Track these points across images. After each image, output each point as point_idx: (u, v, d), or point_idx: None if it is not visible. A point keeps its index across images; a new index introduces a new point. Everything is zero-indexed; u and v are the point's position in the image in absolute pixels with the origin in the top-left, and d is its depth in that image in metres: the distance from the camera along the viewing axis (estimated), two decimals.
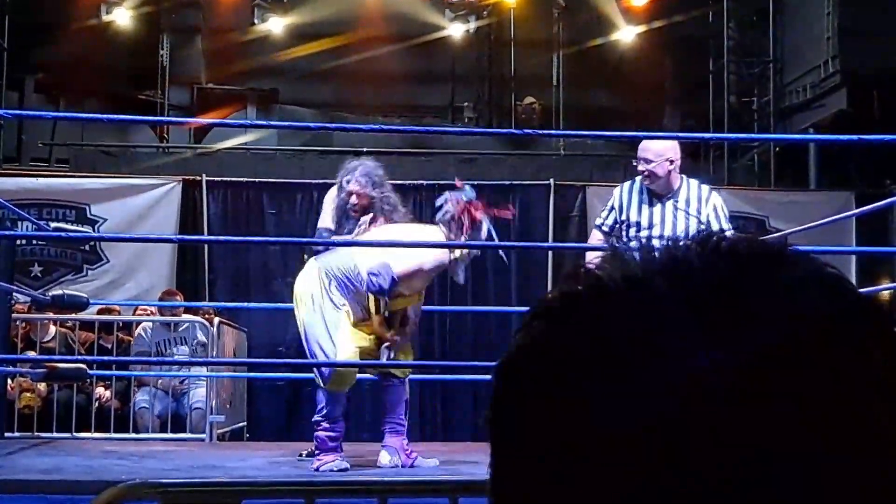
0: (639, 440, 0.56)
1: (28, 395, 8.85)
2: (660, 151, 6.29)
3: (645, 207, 6.37)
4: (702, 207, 6.31)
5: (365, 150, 13.04)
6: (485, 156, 13.22)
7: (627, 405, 0.56)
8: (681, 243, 0.62)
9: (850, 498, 0.56)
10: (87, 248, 11.46)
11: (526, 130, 6.66)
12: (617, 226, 6.44)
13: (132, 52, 14.43)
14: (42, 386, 8.71)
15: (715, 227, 6.14)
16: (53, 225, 10.70)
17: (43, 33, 13.75)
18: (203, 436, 8.68)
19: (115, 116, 8.58)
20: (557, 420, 0.58)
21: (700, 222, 6.24)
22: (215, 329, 9.06)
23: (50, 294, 6.92)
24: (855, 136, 5.83)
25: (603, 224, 6.54)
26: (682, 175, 6.42)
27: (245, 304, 10.83)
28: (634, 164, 6.48)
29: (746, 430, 0.55)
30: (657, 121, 14.28)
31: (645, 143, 6.47)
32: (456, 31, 14.63)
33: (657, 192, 6.34)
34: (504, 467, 0.62)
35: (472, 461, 5.78)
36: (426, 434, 10.72)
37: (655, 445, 0.55)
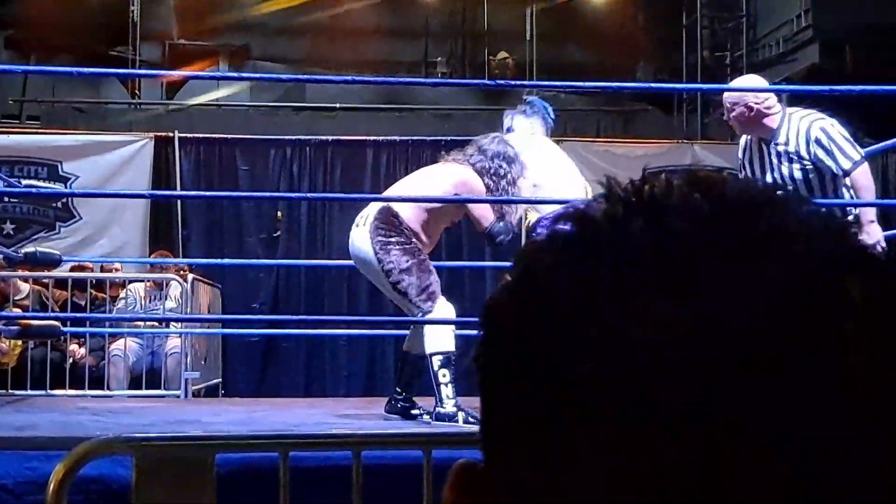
0: (611, 385, 0.55)
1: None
2: (736, 97, 5.84)
3: (756, 157, 5.91)
4: (802, 146, 5.68)
5: (338, 105, 13.02)
6: (459, 111, 13.18)
7: (599, 349, 0.56)
8: (672, 180, 0.60)
9: (827, 467, 0.55)
10: (59, 205, 11.41)
11: (498, 81, 6.62)
12: None
13: (103, 8, 14.28)
14: (13, 344, 8.70)
15: (828, 163, 5.62)
16: (25, 182, 10.65)
17: None
18: (178, 392, 8.70)
19: (86, 70, 8.51)
20: (536, 363, 0.58)
21: (803, 164, 5.67)
22: (189, 285, 9.06)
23: (22, 251, 6.89)
24: (826, 88, 5.85)
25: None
26: (788, 110, 5.86)
27: (219, 261, 10.82)
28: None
29: (721, 393, 0.54)
30: (630, 76, 14.26)
31: (725, 94, 6.04)
32: None
33: (763, 138, 5.83)
34: (494, 412, 0.62)
35: None
36: None
37: (627, 392, 0.55)
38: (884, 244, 5.42)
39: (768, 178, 5.70)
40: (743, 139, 6.02)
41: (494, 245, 5.91)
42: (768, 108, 5.76)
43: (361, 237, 5.74)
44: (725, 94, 6.02)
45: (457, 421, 5.41)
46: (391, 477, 3.29)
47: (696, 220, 0.57)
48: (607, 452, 0.55)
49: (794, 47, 12.65)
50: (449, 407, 5.47)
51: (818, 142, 5.61)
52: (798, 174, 5.68)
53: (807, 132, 5.64)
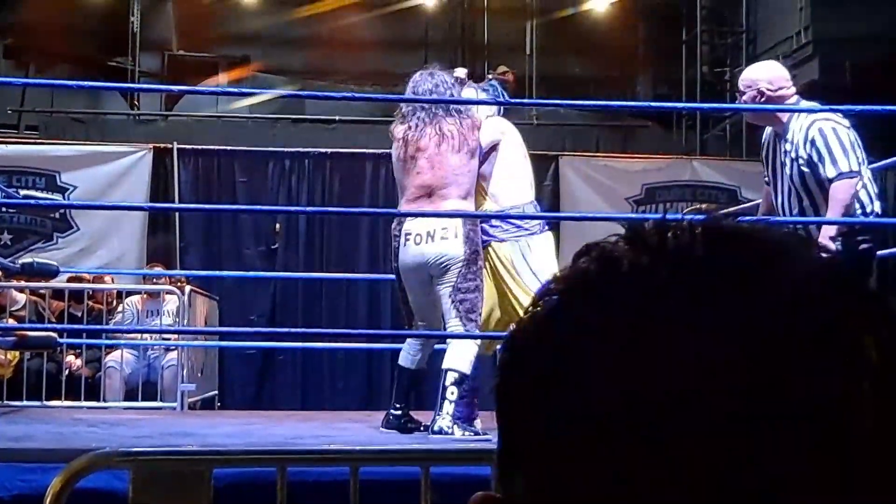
0: (629, 426, 0.58)
1: None
2: (749, 80, 5.65)
3: (771, 155, 5.67)
4: (800, 145, 5.44)
5: (337, 118, 13.03)
6: None
7: (621, 391, 0.58)
8: (690, 226, 0.63)
9: (830, 494, 0.57)
10: (57, 215, 11.40)
11: (498, 99, 6.59)
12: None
13: (103, 18, 14.31)
14: (11, 355, 8.67)
15: (820, 169, 5.36)
16: (23, 192, 10.64)
17: None
18: (174, 404, 8.68)
19: (86, 83, 8.52)
20: (556, 395, 0.61)
21: (800, 166, 5.44)
22: (187, 297, 9.04)
23: (19, 262, 6.87)
24: (827, 107, 5.80)
25: (765, 178, 5.86)
26: (801, 102, 5.66)
27: (217, 273, 10.81)
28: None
29: (732, 429, 0.57)
30: (630, 90, 14.29)
31: (742, 76, 5.84)
32: None
33: (776, 131, 5.58)
34: (510, 438, 0.65)
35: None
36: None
37: (645, 434, 0.57)
38: (838, 247, 5.25)
39: (776, 177, 5.61)
40: (766, 131, 5.77)
41: None
42: (781, 97, 5.57)
43: (454, 246, 5.73)
44: (744, 73, 5.85)
45: (453, 434, 5.47)
46: (389, 493, 3.28)
47: (718, 276, 0.60)
48: (624, 480, 0.58)
49: (794, 63, 12.64)
50: (447, 422, 5.52)
51: (813, 142, 5.39)
52: (797, 178, 5.50)
53: (807, 130, 5.43)
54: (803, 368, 0.58)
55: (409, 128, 5.87)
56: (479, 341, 5.82)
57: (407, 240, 5.83)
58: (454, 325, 5.76)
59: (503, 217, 5.96)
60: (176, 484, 2.72)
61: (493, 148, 6.03)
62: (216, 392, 10.36)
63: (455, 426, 5.52)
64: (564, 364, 0.61)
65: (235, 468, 3.46)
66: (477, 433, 5.58)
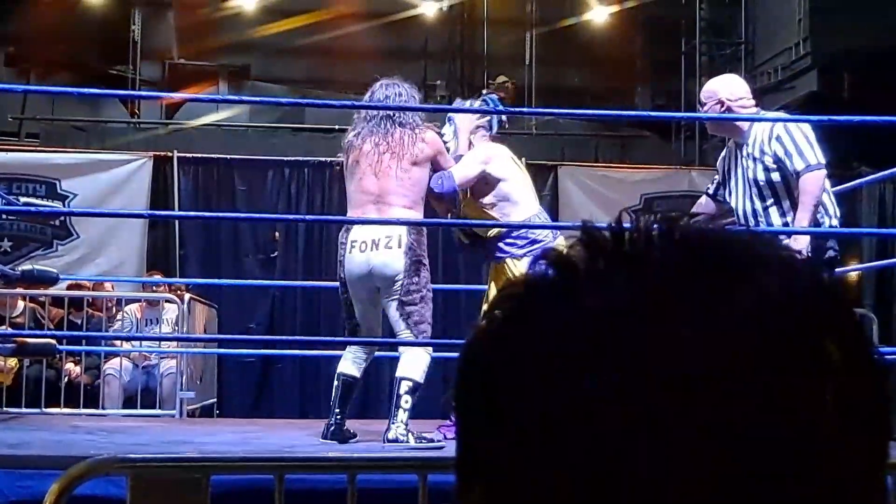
0: (589, 433, 0.57)
1: None
2: (709, 92, 5.76)
3: (731, 161, 5.73)
4: (764, 142, 5.50)
5: (337, 127, 13.03)
6: None
7: (580, 398, 0.58)
8: (646, 229, 0.62)
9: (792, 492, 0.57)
10: (57, 223, 11.41)
11: (498, 108, 6.61)
12: (718, 185, 5.88)
13: (103, 27, 14.33)
14: (11, 363, 8.68)
15: (787, 164, 5.42)
16: (23, 200, 10.65)
17: (14, 6, 13.64)
18: (173, 412, 8.69)
19: (86, 90, 8.54)
20: (513, 403, 0.60)
21: (766, 164, 5.49)
22: (186, 305, 9.05)
23: (19, 269, 6.89)
24: (825, 118, 5.82)
25: (707, 188, 6.06)
26: (761, 112, 5.84)
27: (216, 281, 10.81)
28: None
29: (696, 436, 0.56)
30: (629, 101, 14.31)
31: (704, 87, 5.94)
32: (429, 8, 14.60)
33: (736, 141, 5.68)
34: (468, 446, 0.64)
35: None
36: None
37: (606, 442, 0.57)
38: (808, 251, 5.28)
39: (735, 183, 5.65)
40: (728, 144, 5.88)
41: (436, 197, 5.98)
42: (742, 106, 5.67)
43: (395, 257, 5.78)
44: (705, 86, 5.94)
45: (407, 442, 5.54)
46: (386, 501, 3.29)
47: (675, 278, 0.59)
48: (584, 488, 0.57)
49: (792, 75, 12.68)
50: (402, 430, 5.58)
51: (779, 139, 5.46)
52: (761, 175, 5.53)
53: (771, 129, 5.52)
54: (767, 372, 0.57)
55: (356, 135, 5.94)
56: (431, 350, 5.88)
57: (352, 247, 5.89)
58: (405, 335, 5.83)
59: (474, 225, 6.07)
60: (173, 491, 2.73)
61: (485, 180, 6.10)
62: (215, 399, 10.37)
63: (409, 434, 5.58)
64: (521, 371, 0.60)
65: (233, 475, 3.47)
66: (430, 441, 5.61)
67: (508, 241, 6.10)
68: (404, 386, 5.71)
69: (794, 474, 0.57)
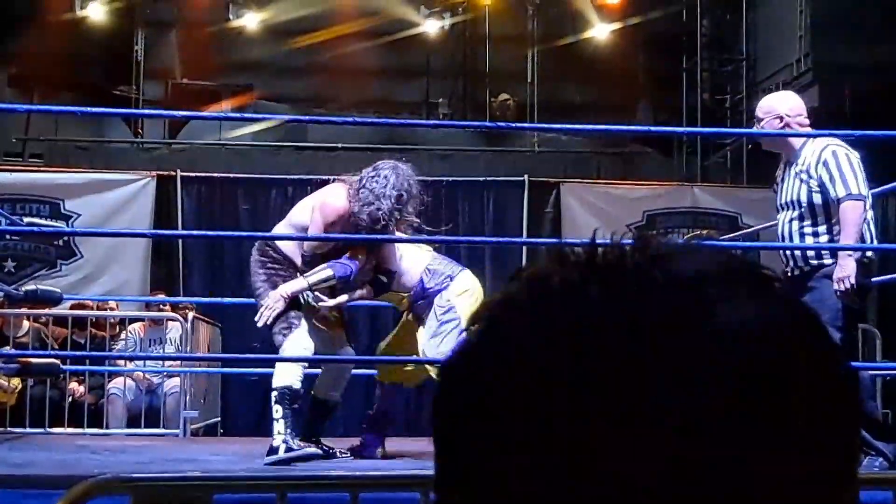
0: (568, 448, 0.58)
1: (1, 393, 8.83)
2: (768, 107, 5.74)
3: (781, 178, 5.75)
4: (812, 164, 5.50)
5: (340, 146, 13.06)
6: (460, 152, 13.23)
7: (552, 414, 0.58)
8: (624, 249, 0.63)
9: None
10: (61, 243, 11.43)
11: (499, 123, 6.62)
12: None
13: (107, 47, 14.37)
14: (15, 382, 8.70)
15: (829, 189, 5.44)
16: (27, 220, 10.68)
17: (17, 26, 13.68)
18: (177, 431, 8.69)
19: (89, 109, 8.57)
20: (490, 420, 0.60)
21: (810, 185, 5.49)
22: (190, 324, 9.07)
23: (23, 289, 6.90)
24: (826, 132, 5.84)
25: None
26: (817, 136, 5.74)
27: (220, 300, 10.82)
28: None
29: (669, 452, 0.57)
30: (631, 117, 14.33)
31: (762, 101, 5.93)
32: (431, 27, 14.63)
33: (787, 159, 5.69)
34: (447, 464, 0.64)
35: None
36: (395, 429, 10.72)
37: (584, 456, 0.57)
38: (853, 280, 5.33)
39: (782, 199, 5.66)
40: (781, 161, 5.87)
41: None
42: (799, 123, 5.66)
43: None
44: (761, 101, 5.93)
45: (278, 453, 5.60)
46: None
47: (648, 292, 0.60)
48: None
49: (793, 90, 12.69)
50: (278, 441, 5.67)
51: (825, 163, 5.47)
52: (804, 196, 5.55)
53: (820, 152, 5.51)
54: (734, 396, 0.57)
55: None
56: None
57: None
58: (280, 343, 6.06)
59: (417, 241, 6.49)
60: None
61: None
62: (219, 418, 10.37)
63: (283, 445, 5.65)
64: (498, 387, 0.60)
65: (236, 494, 3.47)
66: (306, 446, 5.72)
67: (427, 289, 6.29)
68: (273, 396, 5.86)
69: (763, 498, 0.58)
